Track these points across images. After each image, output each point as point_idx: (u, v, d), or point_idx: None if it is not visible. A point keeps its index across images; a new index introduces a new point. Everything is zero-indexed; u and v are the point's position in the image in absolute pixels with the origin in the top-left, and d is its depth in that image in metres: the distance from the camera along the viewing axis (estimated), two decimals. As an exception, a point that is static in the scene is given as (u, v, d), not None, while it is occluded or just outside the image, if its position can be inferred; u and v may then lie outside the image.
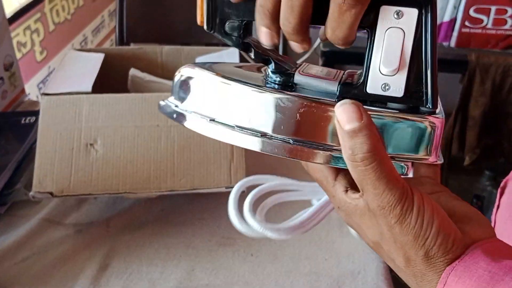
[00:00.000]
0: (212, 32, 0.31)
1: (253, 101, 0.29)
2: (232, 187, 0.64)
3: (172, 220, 0.65)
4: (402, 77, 0.29)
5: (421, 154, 0.29)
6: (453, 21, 1.15)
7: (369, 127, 0.26)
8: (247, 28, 0.31)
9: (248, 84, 0.30)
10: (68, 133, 0.64)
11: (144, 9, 1.33)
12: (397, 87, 0.29)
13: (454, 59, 1.15)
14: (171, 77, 0.94)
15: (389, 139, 0.29)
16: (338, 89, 0.30)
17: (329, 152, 0.28)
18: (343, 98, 0.28)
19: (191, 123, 0.31)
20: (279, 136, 0.29)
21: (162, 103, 0.33)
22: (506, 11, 1.10)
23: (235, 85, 0.30)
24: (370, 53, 0.29)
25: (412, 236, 0.27)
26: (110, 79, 0.81)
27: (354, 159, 0.27)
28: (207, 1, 0.30)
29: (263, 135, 0.29)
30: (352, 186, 0.29)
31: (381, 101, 0.30)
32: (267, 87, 0.31)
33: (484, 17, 1.12)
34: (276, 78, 0.32)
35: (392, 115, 0.29)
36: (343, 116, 0.27)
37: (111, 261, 0.59)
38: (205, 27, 0.31)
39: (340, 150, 0.28)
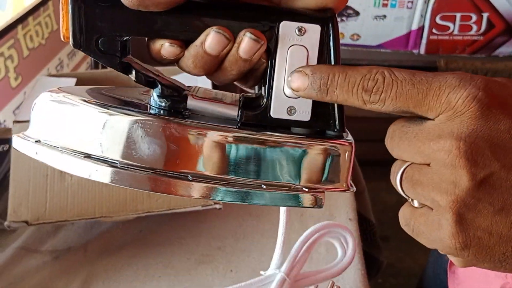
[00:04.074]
0: (81, 49, 0.25)
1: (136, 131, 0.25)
2: (208, 206, 0.65)
3: (150, 241, 0.65)
4: (308, 100, 0.27)
5: (334, 182, 0.27)
6: (421, 29, 1.18)
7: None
8: (125, 45, 0.26)
9: (130, 111, 0.26)
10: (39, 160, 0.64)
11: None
12: (303, 110, 0.27)
13: (424, 66, 1.18)
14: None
15: (297, 169, 0.26)
16: (239, 114, 0.27)
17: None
18: (245, 125, 0.27)
19: (43, 156, 0.27)
20: (174, 172, 0.25)
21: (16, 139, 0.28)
22: (470, 17, 1.13)
23: (111, 113, 0.25)
24: (272, 73, 0.27)
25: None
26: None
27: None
28: (72, 12, 0.25)
29: (156, 171, 0.25)
30: None
31: (286, 126, 0.27)
32: (150, 113, 0.27)
33: (450, 24, 1.15)
34: (162, 103, 0.28)
35: (300, 142, 0.26)
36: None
37: (89, 287, 0.58)
38: (71, 43, 0.25)
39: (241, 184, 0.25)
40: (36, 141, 0.27)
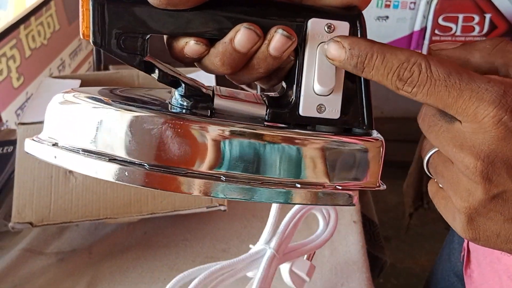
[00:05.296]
0: (101, 47, 0.25)
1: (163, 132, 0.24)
2: (213, 207, 0.65)
3: (155, 243, 0.65)
4: (337, 97, 0.27)
5: (366, 179, 0.27)
6: (423, 30, 1.18)
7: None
8: (146, 44, 0.26)
9: (159, 112, 0.25)
10: (46, 162, 0.64)
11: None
12: (333, 108, 0.27)
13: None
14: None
15: (330, 167, 0.26)
16: (267, 113, 0.27)
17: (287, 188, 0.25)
18: (272, 123, 0.26)
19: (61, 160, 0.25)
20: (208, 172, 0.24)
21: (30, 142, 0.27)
22: (473, 19, 1.13)
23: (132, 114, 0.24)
24: (300, 71, 0.26)
25: None
26: (87, 104, 0.81)
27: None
28: (93, 9, 0.24)
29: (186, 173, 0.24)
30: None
31: (315, 124, 0.27)
32: (182, 113, 0.26)
33: (452, 25, 1.15)
34: (184, 103, 0.27)
35: (335, 140, 0.26)
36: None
37: (94, 288, 0.58)
38: (91, 40, 0.25)
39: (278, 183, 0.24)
40: (53, 145, 0.26)
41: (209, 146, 0.24)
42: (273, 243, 0.47)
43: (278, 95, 0.29)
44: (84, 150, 0.25)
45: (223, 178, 0.24)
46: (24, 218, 0.60)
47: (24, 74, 1.36)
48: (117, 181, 0.24)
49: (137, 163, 0.24)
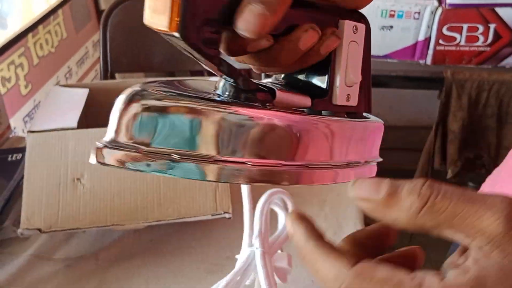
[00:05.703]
0: (187, 41, 0.23)
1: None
2: (218, 214, 0.66)
3: (161, 250, 0.66)
4: (357, 87, 0.31)
5: (375, 155, 0.32)
6: (427, 39, 1.19)
7: None
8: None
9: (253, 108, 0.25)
10: (54, 169, 0.65)
11: (127, 39, 1.36)
12: (354, 97, 0.30)
13: (431, 77, 1.19)
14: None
15: (361, 147, 0.30)
16: (313, 103, 0.30)
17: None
18: (316, 112, 0.30)
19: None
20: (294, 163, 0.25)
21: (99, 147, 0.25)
22: (477, 29, 1.14)
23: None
24: (334, 65, 0.29)
25: None
26: (96, 113, 0.82)
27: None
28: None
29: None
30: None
31: (340, 111, 0.30)
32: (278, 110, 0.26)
33: (457, 35, 1.16)
34: (248, 96, 0.27)
35: (364, 123, 0.30)
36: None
37: (101, 294, 0.59)
38: (178, 33, 0.23)
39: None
40: (137, 151, 0.24)
41: (305, 139, 0.26)
42: (257, 243, 0.47)
43: (312, 85, 0.31)
44: (180, 155, 0.24)
45: (309, 166, 0.26)
46: (33, 225, 0.61)
47: (32, 82, 1.37)
48: (226, 182, 0.25)
49: (240, 162, 0.24)
